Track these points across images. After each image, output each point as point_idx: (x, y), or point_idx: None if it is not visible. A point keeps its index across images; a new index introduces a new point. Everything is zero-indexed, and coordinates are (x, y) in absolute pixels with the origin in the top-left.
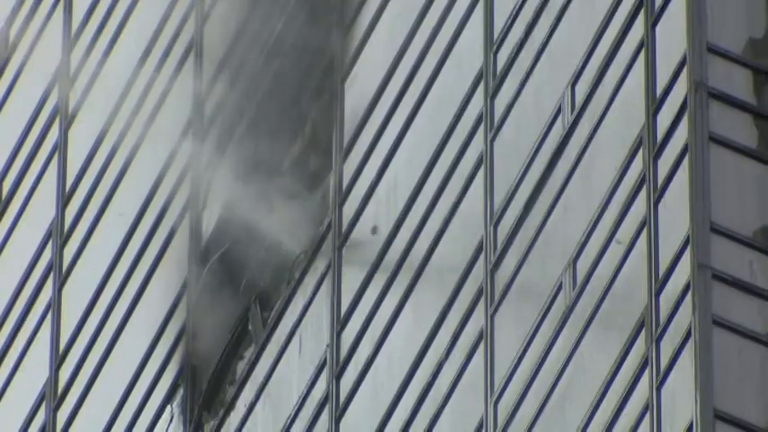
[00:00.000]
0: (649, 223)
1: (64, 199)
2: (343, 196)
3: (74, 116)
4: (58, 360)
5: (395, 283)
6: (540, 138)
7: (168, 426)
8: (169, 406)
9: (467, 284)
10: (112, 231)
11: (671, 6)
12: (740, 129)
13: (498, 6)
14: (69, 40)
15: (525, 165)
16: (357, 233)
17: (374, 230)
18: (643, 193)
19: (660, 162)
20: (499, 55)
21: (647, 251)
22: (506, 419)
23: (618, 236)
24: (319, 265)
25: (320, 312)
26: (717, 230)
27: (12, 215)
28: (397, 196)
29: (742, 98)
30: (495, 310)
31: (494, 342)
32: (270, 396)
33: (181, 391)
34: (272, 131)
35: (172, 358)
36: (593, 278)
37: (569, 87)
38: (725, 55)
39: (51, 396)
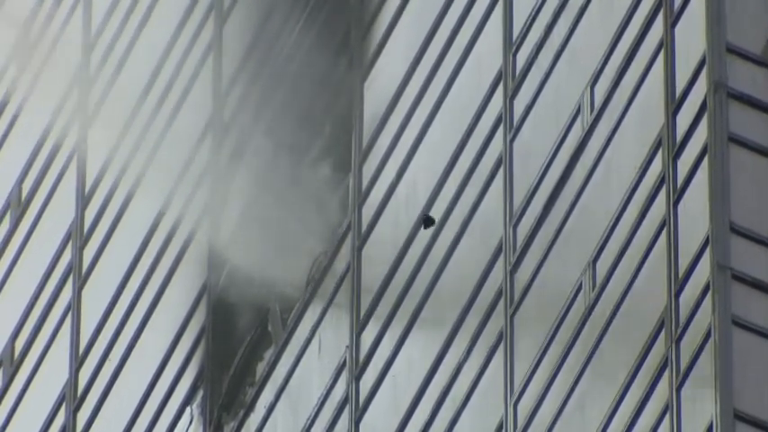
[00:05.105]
0: (669, 224)
1: (83, 201)
2: (363, 197)
3: (93, 117)
4: (77, 362)
5: (414, 283)
6: (560, 138)
7: (188, 427)
8: (189, 407)
9: (486, 285)
10: (132, 233)
11: (690, 6)
12: (760, 129)
13: (517, 7)
14: (89, 41)
15: (544, 166)
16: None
17: None
18: (662, 194)
19: (680, 162)
20: (518, 56)
21: (667, 251)
22: (526, 421)
23: (637, 236)
24: (339, 266)
25: (340, 313)
26: (736, 231)
27: (31, 217)
28: (416, 197)
29: (761, 98)
30: (515, 311)
31: (513, 343)
32: (289, 397)
33: (200, 393)
34: (292, 132)
35: (191, 359)
36: (612, 279)
37: (588, 88)
38: (744, 55)
39: (71, 398)
